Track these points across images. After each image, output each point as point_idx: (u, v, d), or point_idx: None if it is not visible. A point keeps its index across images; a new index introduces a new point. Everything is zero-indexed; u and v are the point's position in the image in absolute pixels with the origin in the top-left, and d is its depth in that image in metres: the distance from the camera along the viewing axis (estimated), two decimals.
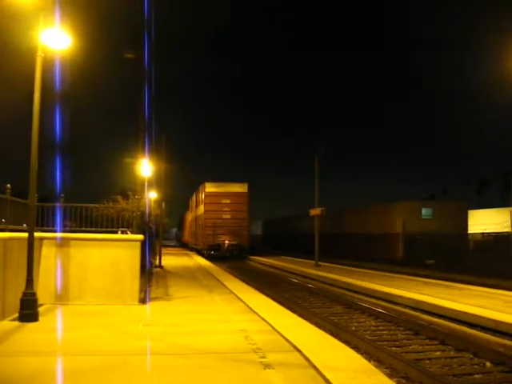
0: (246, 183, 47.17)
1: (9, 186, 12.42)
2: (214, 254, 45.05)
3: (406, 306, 17.34)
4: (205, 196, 46.33)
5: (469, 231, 45.77)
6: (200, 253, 48.69)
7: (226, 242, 45.39)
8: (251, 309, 13.63)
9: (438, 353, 11.09)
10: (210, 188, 45.97)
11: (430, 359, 10.48)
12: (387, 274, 30.18)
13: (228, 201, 45.42)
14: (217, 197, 45.32)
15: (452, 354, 11.03)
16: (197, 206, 53.25)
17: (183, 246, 74.77)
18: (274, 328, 10.77)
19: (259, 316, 12.42)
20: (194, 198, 56.98)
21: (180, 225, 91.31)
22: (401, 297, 18.41)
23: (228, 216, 45.32)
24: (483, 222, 48.75)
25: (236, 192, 45.77)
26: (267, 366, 7.62)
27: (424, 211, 49.13)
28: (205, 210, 45.98)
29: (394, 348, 11.39)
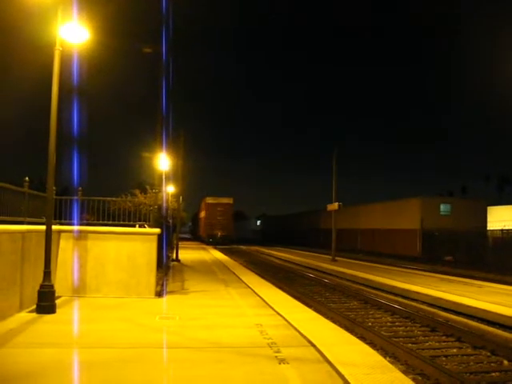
0: (232, 198, 69.30)
1: (27, 179, 12.51)
2: (212, 241, 65.13)
3: (423, 303, 17.24)
4: (205, 205, 68.94)
5: (488, 228, 45.23)
6: (204, 241, 68.74)
7: (219, 233, 65.98)
8: (267, 303, 13.64)
9: (455, 350, 11.00)
10: (208, 200, 67.89)
11: (446, 356, 10.41)
12: (404, 270, 30.07)
13: (220, 208, 66.62)
14: (213, 206, 66.90)
15: (469, 351, 10.93)
16: (201, 210, 76.34)
17: (196, 238, 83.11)
18: (289, 323, 10.77)
19: (275, 310, 12.42)
20: (200, 204, 77.48)
21: (193, 220, 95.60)
22: (418, 293, 18.30)
23: (220, 218, 66.12)
24: (503, 218, 48.12)
25: (225, 203, 67.53)
26: (282, 360, 7.62)
27: (443, 207, 48.69)
28: (206, 214, 68.25)
29: (410, 344, 11.32)
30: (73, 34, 11.41)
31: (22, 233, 11.42)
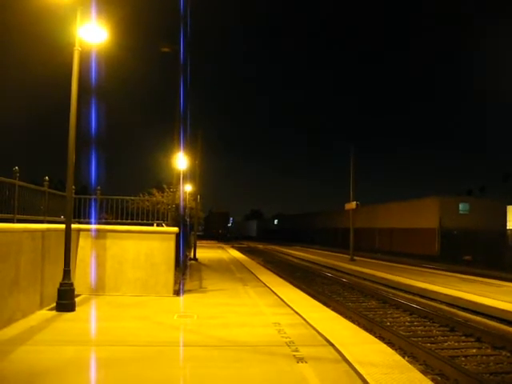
0: (228, 210, 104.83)
1: (46, 178, 12.63)
2: (214, 234, 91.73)
3: (442, 302, 17.11)
4: (210, 213, 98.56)
5: (508, 227, 44.73)
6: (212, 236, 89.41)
7: (219, 231, 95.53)
8: (285, 302, 13.63)
9: (474, 350, 10.91)
10: (213, 210, 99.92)
11: (465, 356, 10.32)
12: (423, 269, 29.86)
13: (219, 216, 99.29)
14: (217, 214, 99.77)
15: (489, 351, 10.83)
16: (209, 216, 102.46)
17: (208, 235, 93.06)
18: (307, 322, 10.75)
19: (293, 309, 12.41)
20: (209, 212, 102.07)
21: (206, 220, 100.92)
22: (436, 293, 18.17)
23: (219, 222, 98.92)
24: None
25: (222, 212, 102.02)
26: (300, 359, 7.61)
27: (461, 206, 48.31)
28: (211, 219, 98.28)
29: (428, 344, 11.25)
30: (91, 34, 11.53)
31: (42, 231, 11.54)
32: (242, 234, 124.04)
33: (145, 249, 14.32)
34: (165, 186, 20.72)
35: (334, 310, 14.30)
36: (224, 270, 24.57)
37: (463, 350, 10.88)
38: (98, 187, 15.50)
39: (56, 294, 11.28)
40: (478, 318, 14.35)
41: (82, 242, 14.20)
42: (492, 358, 10.30)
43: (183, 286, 16.44)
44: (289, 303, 13.38)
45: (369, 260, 37.88)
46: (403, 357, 8.90)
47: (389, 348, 8.94)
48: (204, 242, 60.13)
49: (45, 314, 10.93)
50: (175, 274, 15.25)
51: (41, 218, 12.48)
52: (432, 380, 7.47)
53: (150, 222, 15.74)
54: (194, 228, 37.29)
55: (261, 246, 66.08)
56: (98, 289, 13.93)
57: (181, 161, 25.62)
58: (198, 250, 33.18)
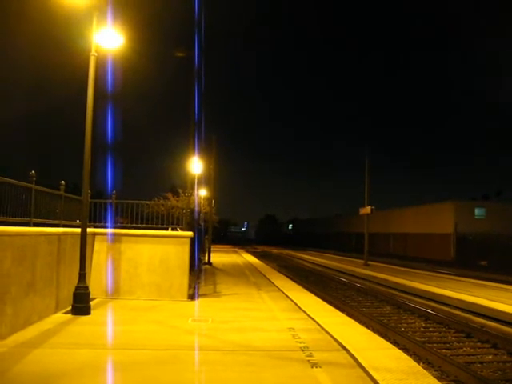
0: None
1: (63, 182, 12.75)
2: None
3: (457, 308, 17.00)
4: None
5: None
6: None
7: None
8: (299, 307, 13.61)
9: (491, 356, 10.81)
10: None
11: (481, 363, 10.24)
12: (438, 274, 29.69)
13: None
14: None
15: (505, 358, 10.73)
16: None
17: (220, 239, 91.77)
18: (321, 327, 10.73)
19: (307, 314, 12.39)
20: None
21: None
22: (451, 298, 18.05)
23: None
24: None
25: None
26: (314, 364, 7.60)
27: (477, 211, 47.99)
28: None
29: (444, 350, 11.17)
30: (108, 40, 11.65)
31: (58, 235, 11.64)
32: (257, 238, 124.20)
33: (159, 253, 14.38)
34: (180, 191, 20.81)
35: (349, 315, 14.25)
36: (238, 274, 24.59)
37: (479, 357, 10.79)
38: (114, 191, 15.60)
39: (71, 298, 11.37)
40: (494, 324, 14.24)
41: (97, 245, 14.29)
42: (508, 364, 10.22)
43: (198, 290, 16.49)
44: (303, 308, 13.37)
45: (383, 265, 37.70)
46: (418, 363, 8.88)
47: (403, 354, 8.88)
48: (218, 247, 60.23)
49: (60, 317, 11.01)
50: (190, 279, 15.30)
51: (57, 221, 12.59)
52: None
53: (164, 226, 15.81)
54: (209, 232, 37.37)
55: (275, 251, 66.04)
56: (113, 292, 14.00)
57: (195, 165, 25.76)
58: (212, 255, 33.23)
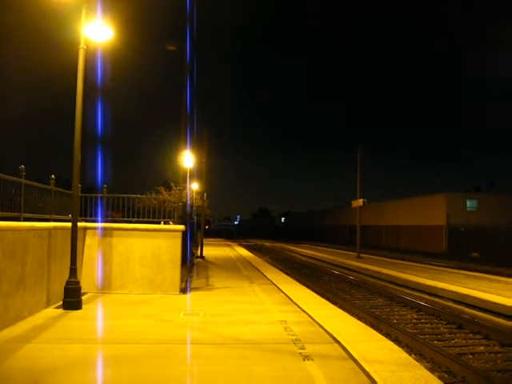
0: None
1: (53, 176, 12.66)
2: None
3: (449, 300, 17.06)
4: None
5: None
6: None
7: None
8: (291, 300, 13.61)
9: (482, 347, 10.86)
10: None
11: (473, 354, 10.28)
12: (430, 266, 29.80)
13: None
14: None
15: (496, 348, 10.78)
16: None
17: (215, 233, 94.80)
18: (313, 319, 10.72)
19: (299, 307, 12.38)
20: None
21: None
22: (444, 290, 18.11)
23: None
24: None
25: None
26: (306, 357, 7.59)
27: (469, 203, 48.17)
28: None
29: (436, 342, 11.22)
30: (97, 33, 11.54)
31: (49, 230, 11.57)
32: (250, 232, 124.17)
33: (151, 247, 14.34)
34: (172, 184, 20.73)
35: (341, 307, 14.28)
36: (230, 267, 24.57)
37: (471, 348, 10.83)
38: (105, 185, 15.52)
39: (62, 292, 11.31)
40: (486, 315, 14.30)
41: (88, 240, 14.23)
42: (500, 355, 10.25)
43: (190, 283, 16.47)
44: (295, 301, 13.37)
45: (376, 257, 37.82)
46: (410, 354, 8.90)
47: (395, 345, 8.89)
48: (211, 240, 60.22)
49: (51, 311, 10.95)
50: (182, 272, 15.27)
51: (47, 216, 12.51)
52: (439, 377, 7.46)
53: (156, 220, 15.75)
54: (201, 226, 37.32)
55: (268, 244, 66.10)
56: (105, 287, 13.95)
57: (187, 159, 25.69)
58: (205, 248, 33.22)
